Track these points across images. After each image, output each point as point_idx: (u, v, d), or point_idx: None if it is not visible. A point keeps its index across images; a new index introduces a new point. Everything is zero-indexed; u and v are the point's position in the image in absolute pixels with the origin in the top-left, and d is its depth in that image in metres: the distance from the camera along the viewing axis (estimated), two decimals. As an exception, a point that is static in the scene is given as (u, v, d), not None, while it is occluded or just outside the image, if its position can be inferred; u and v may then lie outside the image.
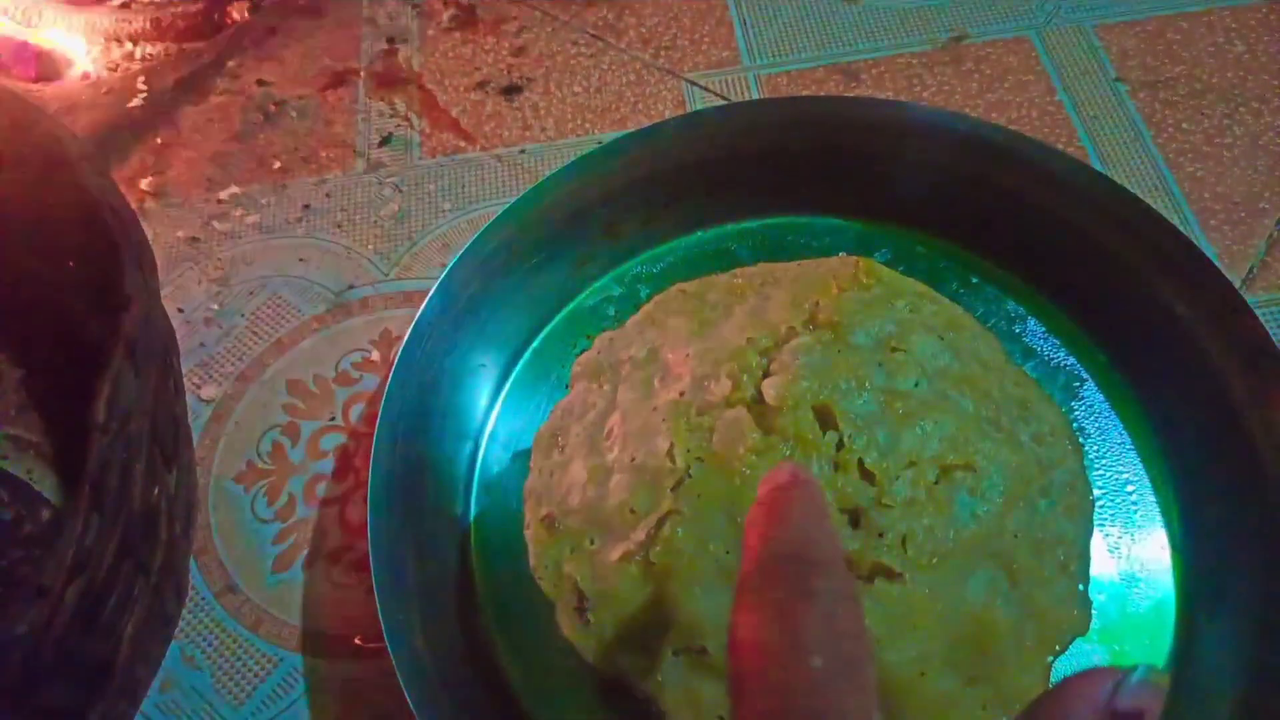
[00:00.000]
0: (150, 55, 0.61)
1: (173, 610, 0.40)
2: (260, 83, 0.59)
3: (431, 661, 0.37)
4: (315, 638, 0.40)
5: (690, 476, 0.32)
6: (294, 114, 0.57)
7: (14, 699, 0.27)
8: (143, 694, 0.39)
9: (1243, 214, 0.49)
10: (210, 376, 0.48)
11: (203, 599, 0.41)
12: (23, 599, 0.26)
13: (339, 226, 0.52)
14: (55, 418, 0.42)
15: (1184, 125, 0.52)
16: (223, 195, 0.54)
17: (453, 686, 0.37)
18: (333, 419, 0.46)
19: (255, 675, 0.40)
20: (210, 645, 0.40)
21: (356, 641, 0.40)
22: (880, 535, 0.30)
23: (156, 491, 0.33)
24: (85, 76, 0.59)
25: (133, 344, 0.31)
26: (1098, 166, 0.50)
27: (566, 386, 0.41)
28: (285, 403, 0.46)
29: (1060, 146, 0.51)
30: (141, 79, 0.59)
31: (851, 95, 0.50)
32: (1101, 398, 0.43)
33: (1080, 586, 0.33)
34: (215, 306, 0.50)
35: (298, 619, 0.41)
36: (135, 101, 0.58)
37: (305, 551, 0.42)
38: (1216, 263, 0.46)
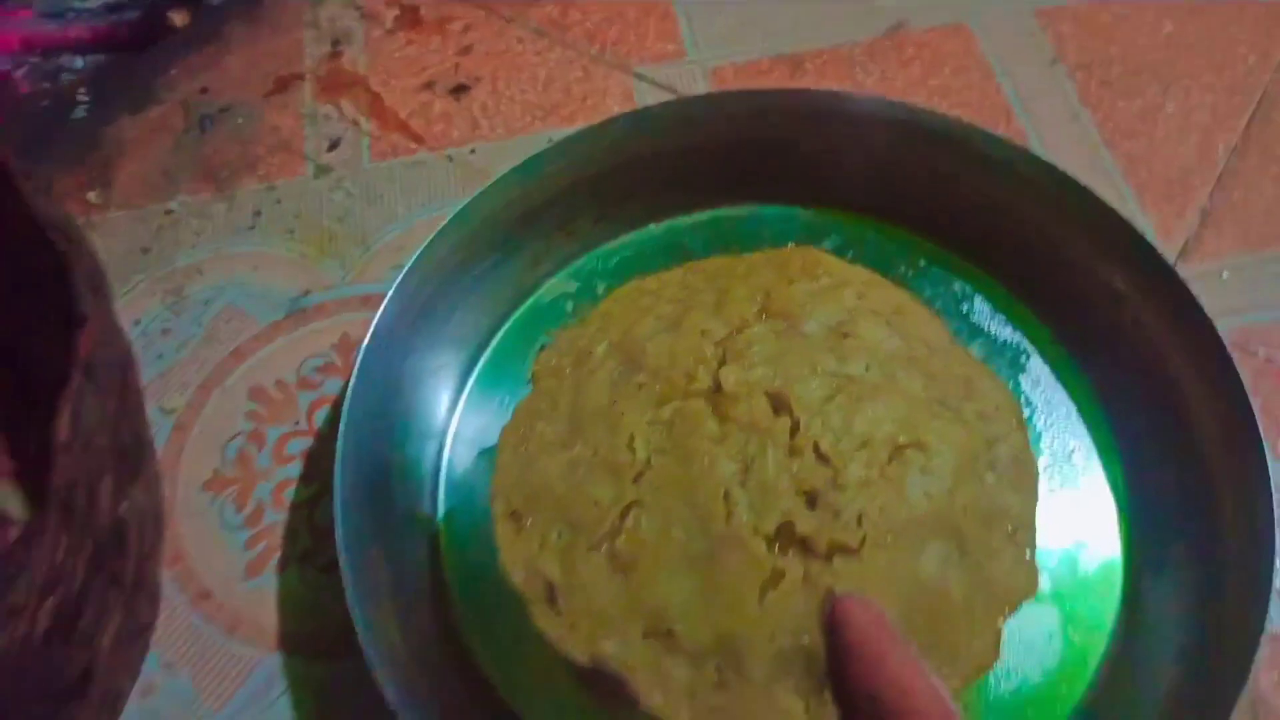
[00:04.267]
0: (90, 65, 0.60)
1: (147, 619, 0.40)
2: (203, 90, 0.59)
3: (408, 657, 0.37)
4: (292, 638, 0.41)
5: (651, 467, 0.33)
6: (239, 120, 0.57)
7: (-6, 717, 0.27)
8: (124, 702, 0.39)
9: (1177, 189, 0.51)
10: (171, 387, 0.47)
11: (178, 606, 0.42)
12: (-3, 619, 0.26)
13: (291, 233, 0.52)
14: (15, 438, 0.42)
15: (1119, 104, 0.54)
16: (171, 205, 0.54)
17: (430, 681, 0.37)
18: (297, 424, 0.46)
19: (235, 677, 0.40)
20: (189, 651, 0.41)
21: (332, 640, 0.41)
22: (837, 515, 0.31)
23: (124, 506, 0.34)
24: (24, 89, 0.58)
25: (90, 363, 0.31)
26: (1037, 147, 0.52)
27: (528, 384, 0.42)
28: (248, 410, 0.47)
29: (1000, 129, 0.52)
30: (82, 90, 0.58)
31: (794, 87, 0.51)
32: (1047, 370, 0.45)
33: (1027, 554, 0.34)
34: (171, 317, 0.50)
35: (274, 621, 0.41)
36: (78, 113, 0.57)
37: (277, 555, 0.43)
38: (1153, 236, 0.48)
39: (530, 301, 0.47)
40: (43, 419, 0.31)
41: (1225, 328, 0.45)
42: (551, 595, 0.34)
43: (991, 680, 0.38)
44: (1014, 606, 0.34)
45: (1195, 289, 0.46)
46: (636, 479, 0.33)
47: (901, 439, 0.33)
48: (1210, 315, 0.40)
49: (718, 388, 0.34)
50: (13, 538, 0.38)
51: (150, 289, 0.51)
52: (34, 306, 0.37)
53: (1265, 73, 0.54)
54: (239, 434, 0.46)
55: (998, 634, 0.33)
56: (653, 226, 0.49)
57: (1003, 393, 0.37)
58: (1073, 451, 0.43)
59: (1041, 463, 0.42)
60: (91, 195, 0.54)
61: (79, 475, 0.29)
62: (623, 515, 0.33)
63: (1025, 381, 0.44)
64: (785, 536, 0.32)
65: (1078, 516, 0.41)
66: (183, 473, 0.45)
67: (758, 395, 0.33)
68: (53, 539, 0.27)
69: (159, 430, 0.46)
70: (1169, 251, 0.48)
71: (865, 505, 0.32)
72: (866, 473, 0.32)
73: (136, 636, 0.39)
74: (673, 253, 0.48)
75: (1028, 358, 0.45)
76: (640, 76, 0.57)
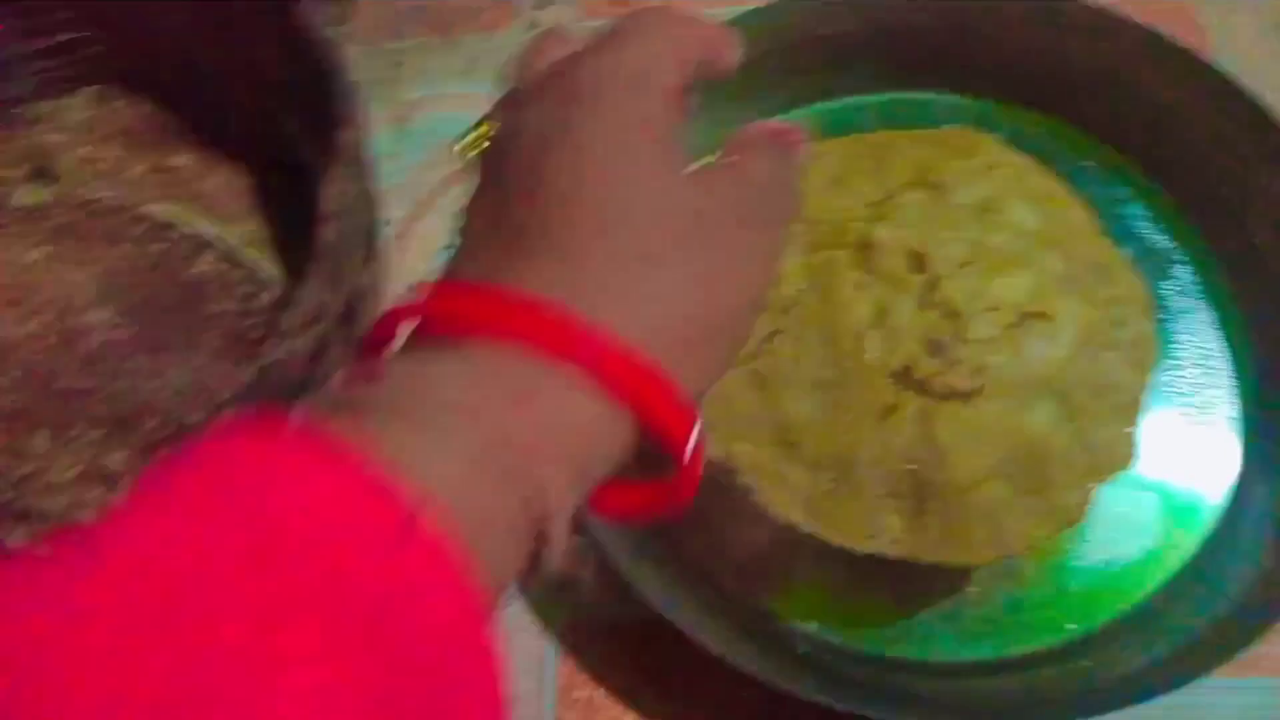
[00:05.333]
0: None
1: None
2: (432, -60, 0.64)
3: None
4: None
5: (797, 303, 0.38)
6: (464, -27, 0.63)
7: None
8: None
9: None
10: (391, 203, 0.55)
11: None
12: (271, 337, 0.34)
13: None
14: (275, 220, 0.51)
15: (1327, 27, 0.52)
16: (401, 45, 0.61)
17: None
18: (495, 249, 0.53)
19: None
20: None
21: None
22: (956, 364, 0.35)
23: (363, 278, 0.41)
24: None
25: (350, 155, 0.38)
26: (1228, 59, 0.52)
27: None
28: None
29: (1191, 39, 0.52)
30: (331, -67, 0.65)
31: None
32: (1195, 280, 0.46)
33: (1129, 429, 0.37)
34: (396, 143, 0.57)
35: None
36: (327, -45, 0.65)
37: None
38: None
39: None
40: (302, 205, 0.39)
41: (1389, 259, 0.45)
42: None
43: (1085, 549, 0.42)
44: (1109, 474, 0.37)
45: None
46: (784, 311, 0.38)
47: (1029, 307, 0.36)
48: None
49: (866, 243, 0.38)
50: (266, 300, 0.47)
51: (381, 117, 0.58)
52: (303, 113, 0.45)
53: None
54: (446, 247, 0.53)
55: (1089, 495, 0.37)
56: (831, 103, 0.52)
57: (1137, 284, 0.40)
58: (1207, 357, 0.45)
59: (1171, 364, 0.45)
60: (333, 31, 0.62)
61: (339, 240, 0.36)
62: (767, 339, 0.38)
63: (1170, 287, 0.46)
64: (906, 377, 0.36)
65: (1199, 417, 0.44)
66: (395, 276, 0.53)
67: (901, 252, 0.37)
68: (318, 284, 0.34)
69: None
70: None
71: (984, 359, 0.36)
72: (990, 332, 0.36)
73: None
74: (846, 129, 0.51)
75: (1177, 266, 0.47)
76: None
